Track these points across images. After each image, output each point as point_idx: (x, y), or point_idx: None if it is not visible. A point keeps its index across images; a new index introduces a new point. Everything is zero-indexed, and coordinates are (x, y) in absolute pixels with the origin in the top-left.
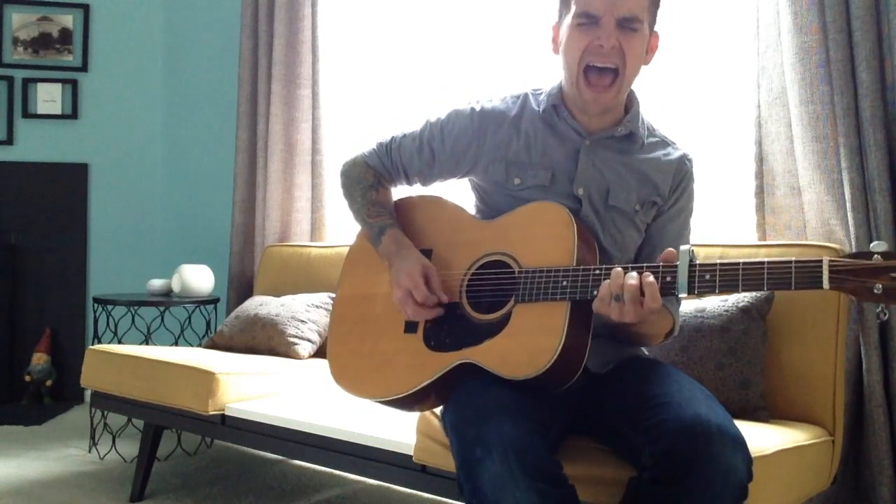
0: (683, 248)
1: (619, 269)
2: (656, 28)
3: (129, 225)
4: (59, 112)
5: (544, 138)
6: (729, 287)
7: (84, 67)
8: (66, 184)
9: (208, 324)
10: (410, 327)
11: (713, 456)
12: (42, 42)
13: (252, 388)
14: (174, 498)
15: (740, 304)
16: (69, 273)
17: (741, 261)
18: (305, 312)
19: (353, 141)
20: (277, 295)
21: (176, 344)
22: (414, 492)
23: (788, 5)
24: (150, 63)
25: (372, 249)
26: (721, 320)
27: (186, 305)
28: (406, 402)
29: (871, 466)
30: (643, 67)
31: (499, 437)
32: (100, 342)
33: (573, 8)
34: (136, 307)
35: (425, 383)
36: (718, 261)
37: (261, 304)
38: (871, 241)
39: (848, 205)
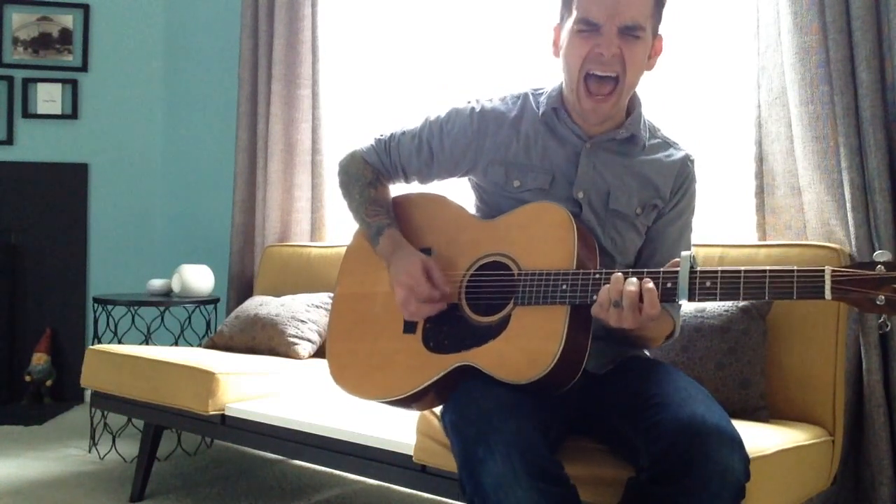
0: (684, 253)
1: (619, 274)
2: (660, 31)
3: (129, 225)
4: (59, 112)
5: (544, 141)
6: (730, 295)
7: (84, 67)
8: (66, 184)
9: (208, 324)
10: (409, 327)
11: (710, 456)
12: (42, 42)
13: (252, 388)
14: (174, 498)
15: (740, 304)
16: (69, 273)
17: (742, 269)
18: (305, 312)
19: (353, 141)
20: (277, 295)
21: (176, 344)
22: (414, 492)
23: (788, 5)
24: (150, 63)
25: (371, 247)
26: (721, 320)
27: (186, 305)
28: (405, 403)
29: (871, 466)
30: (646, 72)
31: (501, 437)
32: (100, 342)
33: (574, 13)
34: (136, 307)
35: (425, 385)
36: (720, 268)
37: (261, 304)
38: (871, 241)
39: (848, 205)
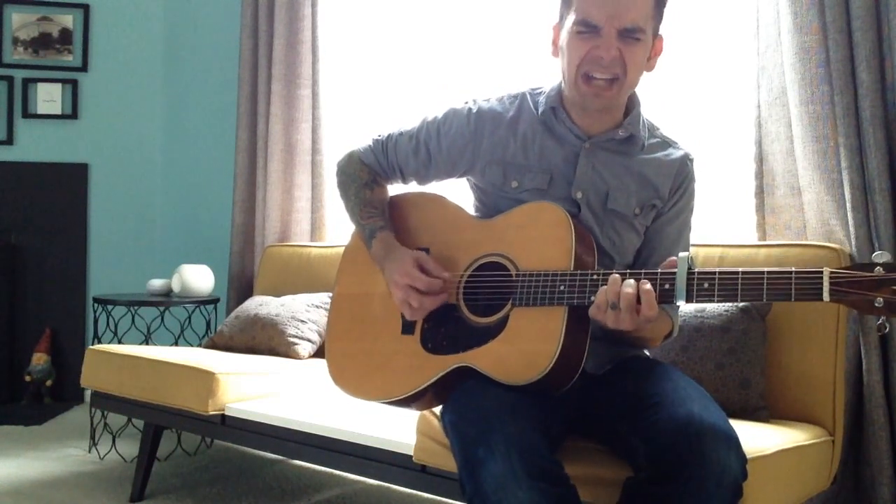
0: (682, 255)
1: (617, 275)
2: (660, 31)
3: (129, 225)
4: (59, 112)
5: (542, 140)
6: (727, 297)
7: (84, 67)
8: (66, 184)
9: (208, 324)
10: (407, 328)
11: (706, 455)
12: (42, 42)
13: (252, 388)
14: (174, 498)
15: (740, 304)
16: (69, 273)
17: (740, 270)
18: (305, 312)
19: (352, 141)
20: (277, 295)
21: (176, 344)
22: (414, 492)
23: (788, 5)
24: (150, 63)
25: None
26: (721, 320)
27: (186, 305)
28: (404, 403)
29: (871, 466)
30: (646, 73)
31: (501, 437)
32: (100, 342)
33: (573, 14)
34: (136, 307)
35: (423, 386)
36: (717, 269)
37: (261, 304)
38: (871, 242)
39: (848, 205)
